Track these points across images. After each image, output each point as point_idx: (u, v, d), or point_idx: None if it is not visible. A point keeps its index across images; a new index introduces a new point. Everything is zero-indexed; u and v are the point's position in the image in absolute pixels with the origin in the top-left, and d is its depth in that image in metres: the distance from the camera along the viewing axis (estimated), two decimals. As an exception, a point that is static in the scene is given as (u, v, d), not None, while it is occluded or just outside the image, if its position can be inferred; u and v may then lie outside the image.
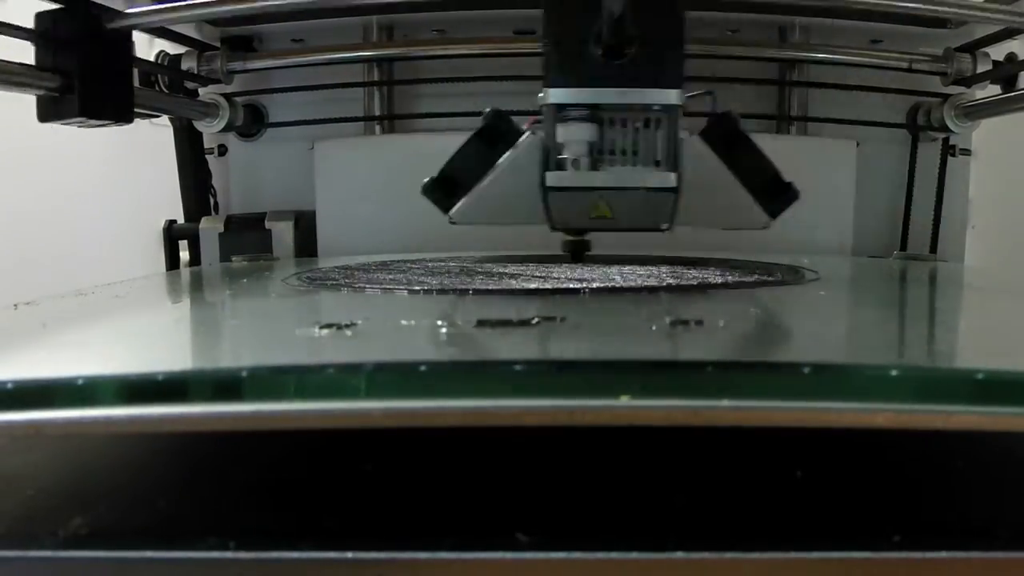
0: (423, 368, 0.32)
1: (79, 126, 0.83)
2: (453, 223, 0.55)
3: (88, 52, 0.79)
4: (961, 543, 0.30)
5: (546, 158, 0.50)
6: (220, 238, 1.05)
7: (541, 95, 0.49)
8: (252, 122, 1.12)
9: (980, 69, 1.05)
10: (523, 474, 0.36)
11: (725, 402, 0.30)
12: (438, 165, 1.00)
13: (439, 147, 1.01)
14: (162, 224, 1.09)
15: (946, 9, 0.90)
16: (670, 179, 0.49)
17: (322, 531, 0.32)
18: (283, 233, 1.05)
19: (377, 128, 1.11)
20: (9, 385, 0.32)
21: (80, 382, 0.32)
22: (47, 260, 1.34)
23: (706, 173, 0.50)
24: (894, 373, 0.31)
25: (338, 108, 1.09)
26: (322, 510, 0.34)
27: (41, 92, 0.79)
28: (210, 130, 1.09)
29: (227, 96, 1.08)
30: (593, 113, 0.48)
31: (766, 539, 0.30)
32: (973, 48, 1.05)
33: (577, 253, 0.58)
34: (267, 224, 1.05)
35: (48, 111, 0.80)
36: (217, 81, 1.06)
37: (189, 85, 1.07)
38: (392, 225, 1.00)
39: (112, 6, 0.83)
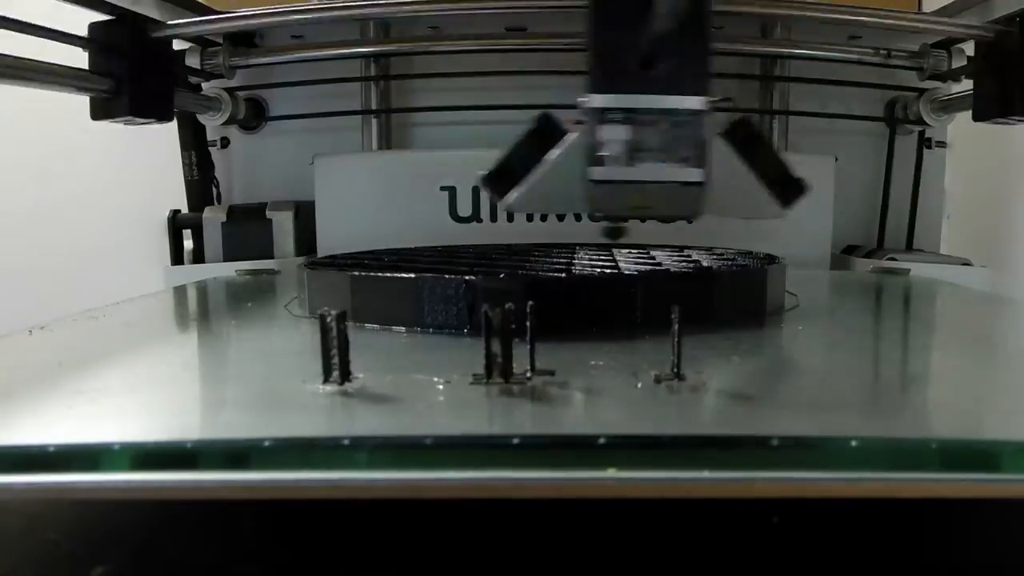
0: (428, 441, 0.33)
1: (125, 123, 0.92)
2: (510, 210, 0.61)
3: (136, 58, 0.89)
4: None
5: (589, 155, 0.56)
6: (222, 227, 1.08)
7: (583, 99, 0.54)
8: (253, 115, 1.16)
9: (955, 64, 1.08)
10: (516, 534, 0.36)
11: (706, 474, 0.31)
12: (430, 179, 1.05)
13: (431, 163, 1.07)
14: (167, 213, 1.13)
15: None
16: (698, 174, 0.54)
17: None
18: (283, 222, 1.08)
19: (374, 122, 1.15)
20: (51, 448, 0.32)
21: (116, 447, 0.33)
22: (58, 246, 1.37)
23: (728, 169, 0.56)
24: (854, 444, 0.32)
25: (336, 102, 1.13)
26: (327, 568, 0.35)
27: (94, 93, 0.89)
28: (213, 123, 1.13)
29: (229, 90, 1.11)
30: (630, 116, 0.54)
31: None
32: (948, 44, 1.08)
33: (616, 235, 0.64)
34: (268, 214, 1.08)
35: (100, 110, 0.90)
36: (220, 76, 1.09)
37: (193, 80, 1.11)
38: (387, 233, 1.04)
39: (156, 17, 0.92)
